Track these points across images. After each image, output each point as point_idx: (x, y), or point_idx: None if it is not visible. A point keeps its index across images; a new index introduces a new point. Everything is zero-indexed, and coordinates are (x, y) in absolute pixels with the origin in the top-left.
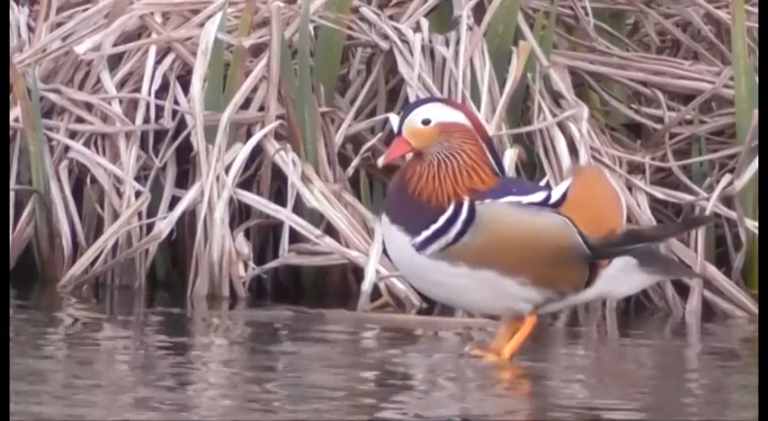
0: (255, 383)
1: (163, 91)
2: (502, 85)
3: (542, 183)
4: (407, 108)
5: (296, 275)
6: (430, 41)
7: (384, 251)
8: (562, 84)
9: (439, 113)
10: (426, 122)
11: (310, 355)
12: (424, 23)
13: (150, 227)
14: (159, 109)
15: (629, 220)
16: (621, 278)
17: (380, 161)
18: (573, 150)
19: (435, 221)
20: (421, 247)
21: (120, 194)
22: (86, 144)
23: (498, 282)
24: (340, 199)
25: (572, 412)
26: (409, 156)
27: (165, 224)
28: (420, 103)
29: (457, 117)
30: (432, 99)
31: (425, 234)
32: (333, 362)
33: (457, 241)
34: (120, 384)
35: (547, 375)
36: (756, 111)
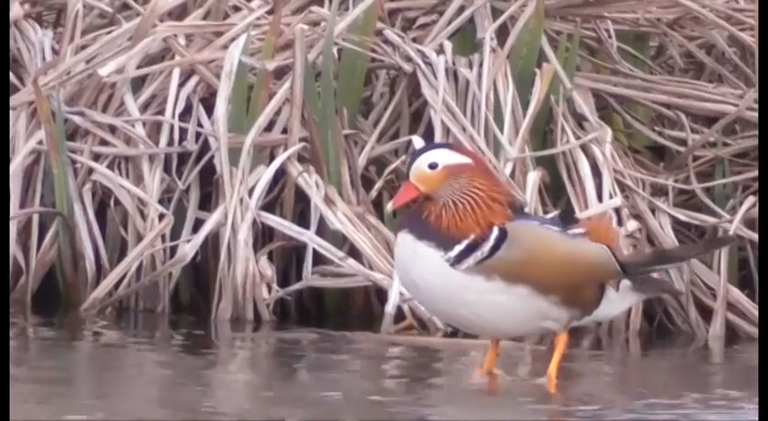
0: (282, 405)
1: (185, 113)
2: (525, 108)
3: (550, 216)
4: (414, 154)
5: (319, 297)
6: (453, 64)
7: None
8: (585, 106)
9: (445, 157)
10: (433, 167)
11: (335, 379)
12: (448, 46)
13: (173, 249)
14: (182, 131)
15: (651, 242)
16: (617, 300)
17: (389, 206)
18: (596, 173)
19: (467, 238)
20: (456, 261)
21: (143, 217)
22: (110, 166)
23: (532, 299)
24: (363, 221)
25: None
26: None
27: (189, 247)
28: (426, 148)
29: (462, 159)
30: (438, 145)
31: (458, 248)
32: (357, 386)
33: (492, 255)
34: (142, 405)
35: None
36: None
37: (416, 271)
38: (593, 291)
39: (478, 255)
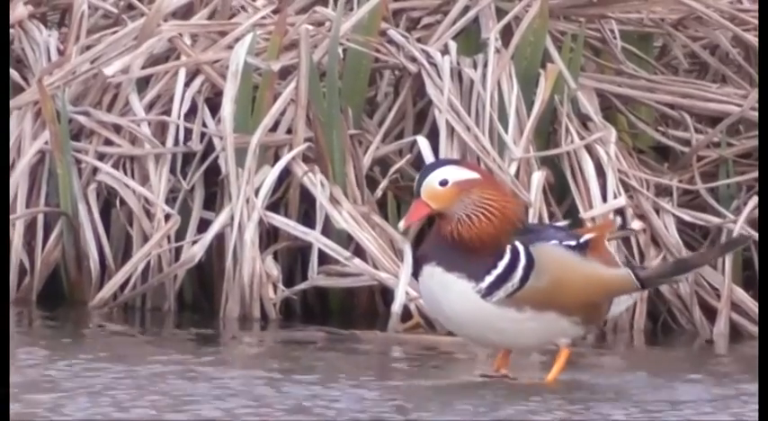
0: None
1: (189, 113)
2: (529, 108)
3: (558, 224)
4: (423, 172)
5: (323, 296)
6: (458, 64)
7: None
8: (590, 106)
9: (454, 174)
10: (444, 183)
11: (343, 377)
12: (452, 46)
13: (178, 249)
14: (186, 131)
15: (655, 243)
16: (618, 303)
17: (401, 225)
18: (600, 173)
19: (495, 266)
20: (487, 293)
21: (149, 217)
22: (115, 166)
23: (557, 321)
24: (368, 220)
25: None
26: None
27: (197, 247)
28: (435, 165)
29: (471, 175)
30: (445, 161)
31: (489, 279)
32: (365, 383)
33: (522, 286)
34: (151, 402)
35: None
36: None
37: (447, 303)
38: (607, 306)
39: (509, 287)
